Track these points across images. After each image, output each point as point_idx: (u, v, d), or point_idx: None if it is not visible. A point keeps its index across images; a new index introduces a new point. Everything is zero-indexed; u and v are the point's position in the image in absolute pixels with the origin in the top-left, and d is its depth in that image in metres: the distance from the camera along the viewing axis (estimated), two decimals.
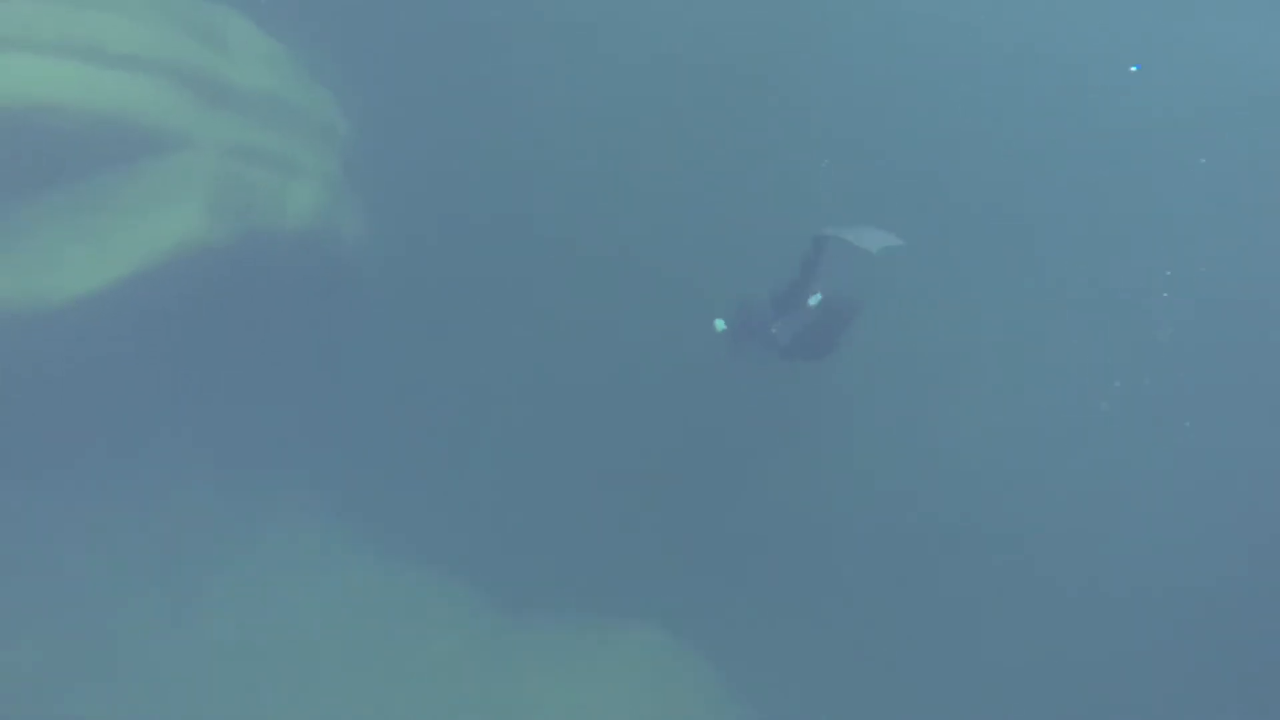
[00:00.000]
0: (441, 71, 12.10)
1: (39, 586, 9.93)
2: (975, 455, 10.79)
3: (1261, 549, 10.24)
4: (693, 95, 11.62)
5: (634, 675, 9.70)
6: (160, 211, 9.21)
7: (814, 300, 9.09)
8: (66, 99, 8.27)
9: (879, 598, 10.12)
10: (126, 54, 8.82)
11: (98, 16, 8.59)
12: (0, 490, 9.65)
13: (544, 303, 11.69)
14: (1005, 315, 11.58)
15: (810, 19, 11.99)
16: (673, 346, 11.15)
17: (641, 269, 11.28)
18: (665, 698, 9.53)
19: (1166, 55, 12.15)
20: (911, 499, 10.58)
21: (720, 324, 9.25)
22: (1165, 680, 9.68)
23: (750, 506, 10.84)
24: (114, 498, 10.34)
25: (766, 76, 11.69)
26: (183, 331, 9.88)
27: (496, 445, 11.48)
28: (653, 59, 11.77)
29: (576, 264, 11.42)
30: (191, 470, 10.99)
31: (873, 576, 10.28)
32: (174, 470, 10.79)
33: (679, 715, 9.37)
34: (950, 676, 9.62)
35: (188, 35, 9.65)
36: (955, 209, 11.72)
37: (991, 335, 11.48)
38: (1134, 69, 12.01)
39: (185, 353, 10.12)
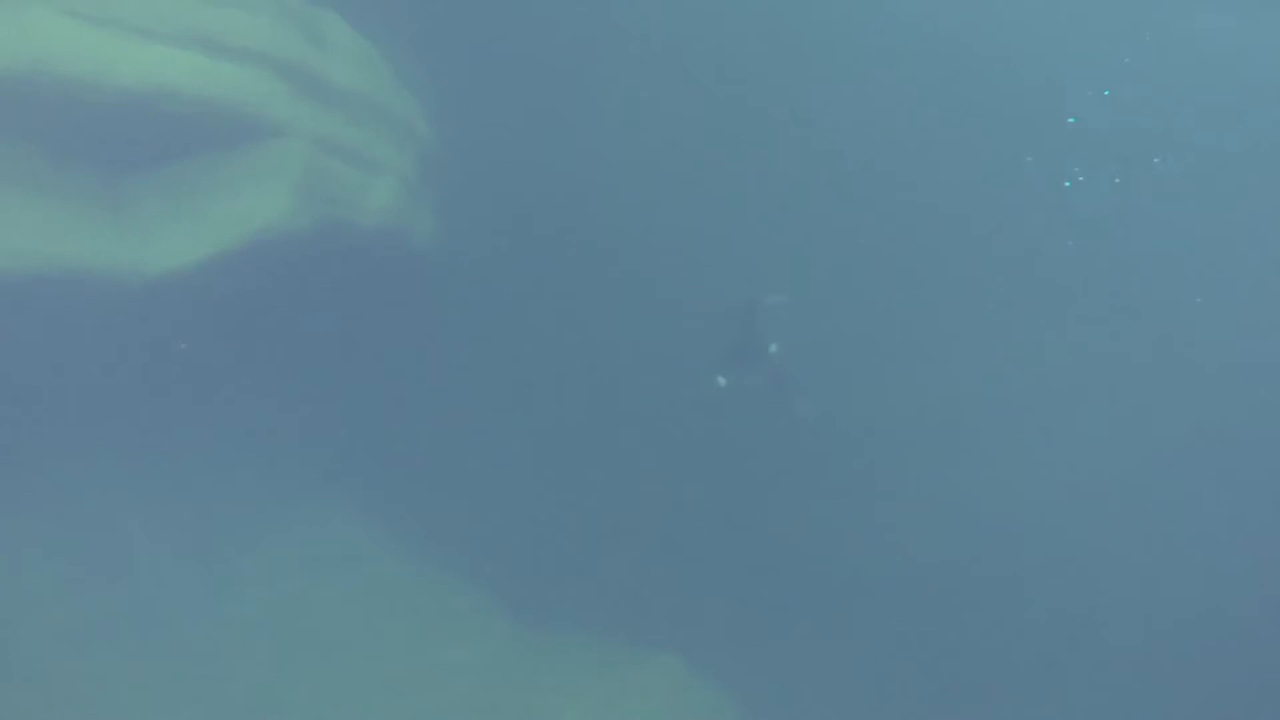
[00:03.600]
0: (519, 84, 12.65)
1: (87, 545, 10.29)
2: (1001, 490, 11.21)
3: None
4: (771, 124, 12.16)
5: (648, 700, 9.77)
6: (252, 195, 9.74)
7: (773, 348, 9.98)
8: (187, 86, 8.84)
9: (900, 635, 10.48)
10: (241, 47, 9.38)
11: (221, 12, 9.16)
12: (63, 443, 10.08)
13: (592, 323, 12.19)
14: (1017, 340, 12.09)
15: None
16: (712, 378, 11.63)
17: (698, 293, 11.76)
18: None
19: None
20: (934, 538, 10.97)
21: (721, 380, 9.89)
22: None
23: (775, 544, 11.26)
24: (167, 466, 10.74)
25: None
26: (256, 312, 10.39)
27: (534, 461, 11.89)
28: (736, 82, 12.31)
29: (637, 284, 11.94)
30: (241, 449, 11.34)
31: (894, 614, 10.65)
32: (226, 447, 11.17)
33: None
34: (972, 712, 9.99)
35: (294, 32, 10.19)
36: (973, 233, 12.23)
37: (1004, 359, 11.98)
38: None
39: (254, 334, 10.62)
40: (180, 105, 8.85)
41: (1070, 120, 12.78)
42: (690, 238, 12.00)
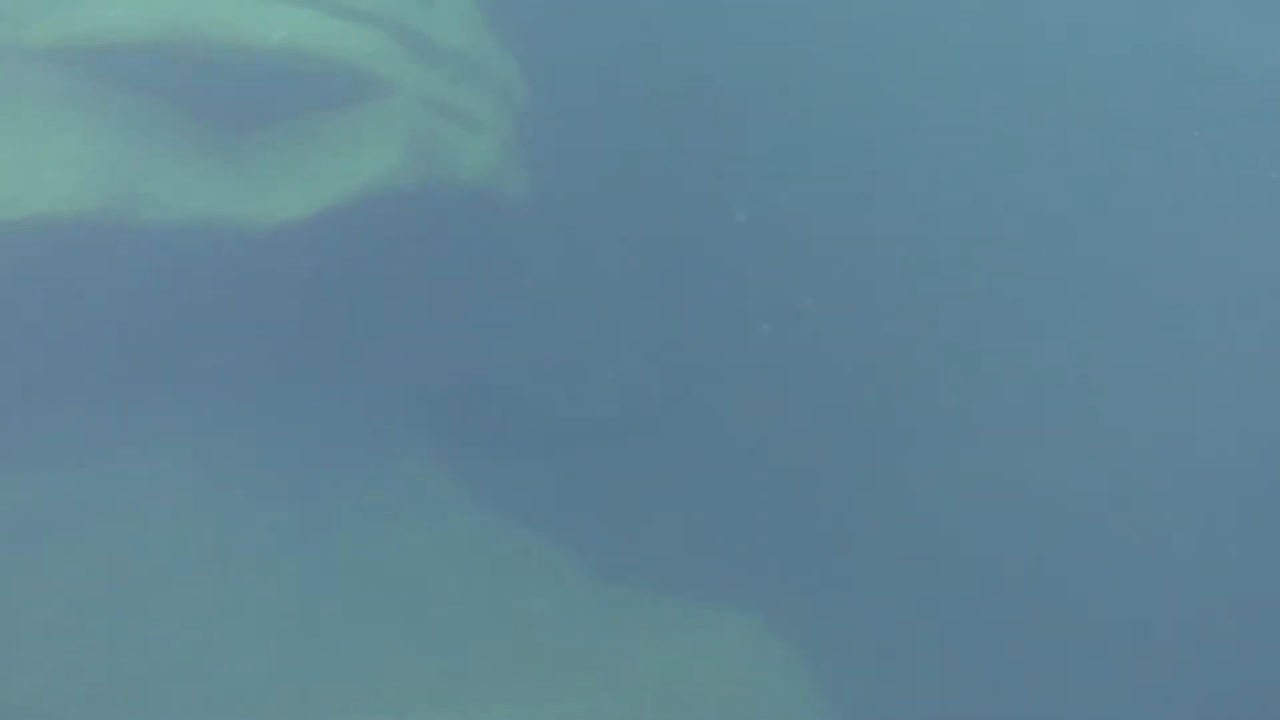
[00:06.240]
0: (615, 49, 12.80)
1: (188, 479, 10.80)
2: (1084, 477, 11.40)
3: None
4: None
5: (723, 658, 10.03)
6: (361, 151, 10.05)
7: None
8: (310, 45, 9.15)
9: (979, 607, 10.73)
10: (361, 8, 9.67)
11: None
12: (177, 387, 10.57)
13: (674, 288, 12.44)
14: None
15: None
16: (785, 343, 11.82)
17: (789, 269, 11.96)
18: (752, 682, 9.88)
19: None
20: (1016, 513, 11.21)
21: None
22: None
23: (857, 508, 11.51)
24: (270, 413, 11.15)
25: None
26: (361, 267, 10.72)
27: (614, 421, 12.18)
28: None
29: (722, 257, 12.13)
30: (338, 399, 11.76)
31: (974, 585, 10.89)
32: (325, 396, 11.58)
33: (765, 700, 9.74)
34: (1054, 688, 10.26)
35: None
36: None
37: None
38: None
39: (358, 287, 10.97)
40: (303, 64, 9.16)
41: None
42: (789, 216, 12.14)
